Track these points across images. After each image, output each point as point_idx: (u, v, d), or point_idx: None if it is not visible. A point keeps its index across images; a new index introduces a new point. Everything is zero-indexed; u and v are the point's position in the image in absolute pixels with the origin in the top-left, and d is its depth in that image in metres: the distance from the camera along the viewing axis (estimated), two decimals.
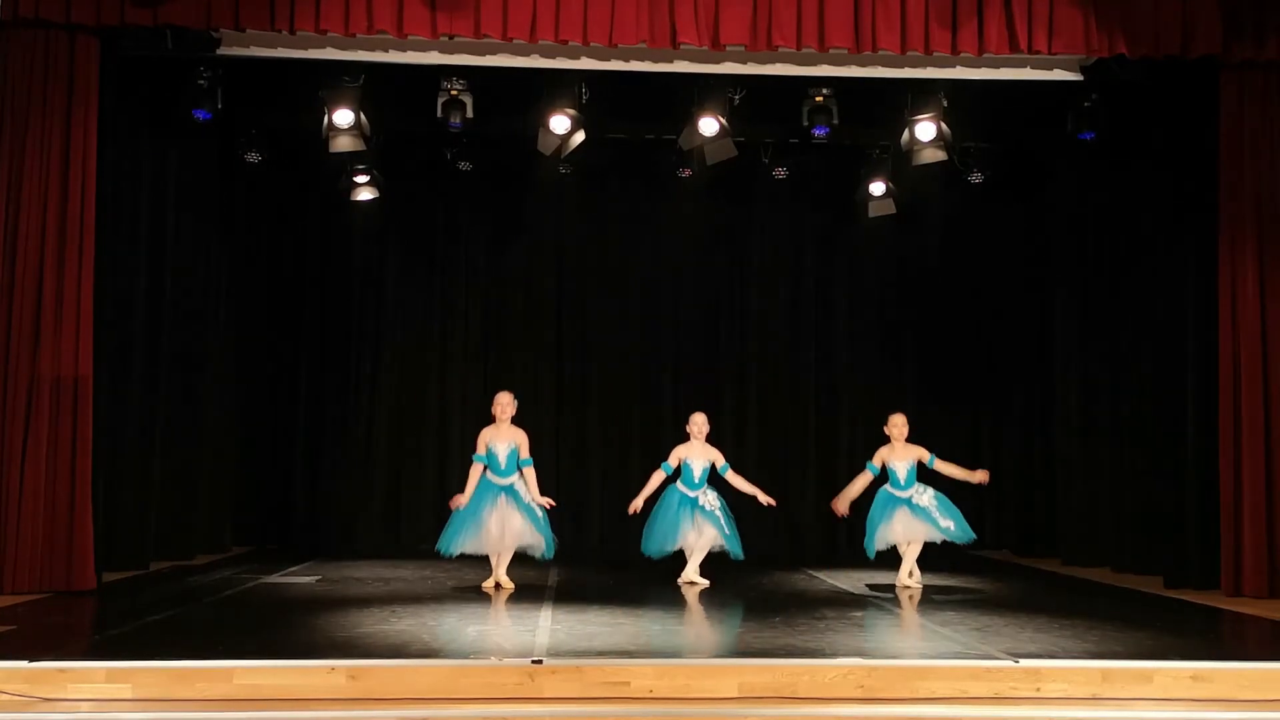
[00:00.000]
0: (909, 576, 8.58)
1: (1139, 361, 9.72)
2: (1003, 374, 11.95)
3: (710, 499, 8.63)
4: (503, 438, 8.35)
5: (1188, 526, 8.60)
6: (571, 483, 11.52)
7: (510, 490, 8.28)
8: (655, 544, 8.60)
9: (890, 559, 8.79)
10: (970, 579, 9.30)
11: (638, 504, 8.65)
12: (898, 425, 8.66)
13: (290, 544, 11.25)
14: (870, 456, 8.78)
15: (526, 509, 8.25)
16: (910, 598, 8.17)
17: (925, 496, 8.53)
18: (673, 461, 8.71)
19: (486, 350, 11.67)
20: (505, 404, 8.41)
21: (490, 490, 8.28)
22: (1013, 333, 11.80)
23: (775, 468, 11.65)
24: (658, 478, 8.71)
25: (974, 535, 8.62)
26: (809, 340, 11.99)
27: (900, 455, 8.61)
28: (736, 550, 8.62)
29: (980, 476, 8.65)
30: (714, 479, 8.73)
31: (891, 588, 8.52)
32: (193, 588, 8.27)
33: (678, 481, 8.69)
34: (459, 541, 8.20)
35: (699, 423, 8.74)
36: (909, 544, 8.56)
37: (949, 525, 8.43)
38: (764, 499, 8.67)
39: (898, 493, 8.56)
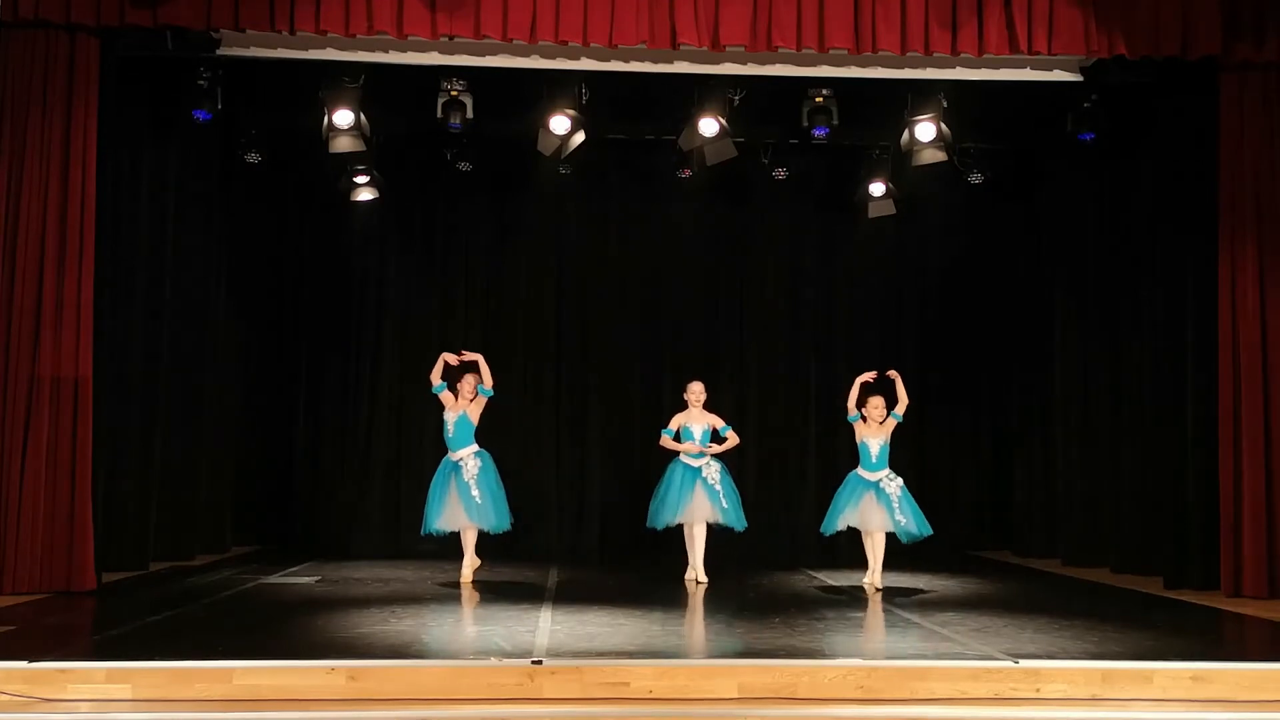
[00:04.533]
0: (874, 576, 8.56)
1: (1139, 361, 9.71)
2: (1002, 374, 11.94)
3: (713, 471, 8.85)
4: (455, 409, 8.75)
5: (1188, 526, 8.60)
6: (571, 483, 11.51)
7: (456, 468, 8.64)
8: (660, 517, 8.86)
9: (887, 561, 8.80)
10: (970, 579, 9.30)
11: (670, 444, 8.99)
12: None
13: (290, 544, 11.23)
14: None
15: (463, 488, 8.54)
16: (879, 598, 8.17)
17: (893, 485, 8.57)
18: (673, 426, 8.99)
19: (486, 350, 11.58)
20: (462, 385, 8.83)
21: (445, 469, 8.73)
22: (1012, 333, 11.78)
23: (775, 468, 11.66)
24: (666, 440, 9.00)
25: (929, 532, 8.62)
26: (808, 341, 11.96)
27: (874, 434, 8.66)
28: (733, 523, 8.87)
29: (892, 373, 8.85)
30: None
31: (889, 589, 8.52)
32: (193, 588, 8.28)
33: (681, 454, 8.93)
34: (435, 521, 8.67)
35: (695, 390, 9.01)
36: (868, 535, 8.55)
37: (902, 520, 8.45)
38: (733, 441, 8.96)
39: (868, 475, 8.61)
